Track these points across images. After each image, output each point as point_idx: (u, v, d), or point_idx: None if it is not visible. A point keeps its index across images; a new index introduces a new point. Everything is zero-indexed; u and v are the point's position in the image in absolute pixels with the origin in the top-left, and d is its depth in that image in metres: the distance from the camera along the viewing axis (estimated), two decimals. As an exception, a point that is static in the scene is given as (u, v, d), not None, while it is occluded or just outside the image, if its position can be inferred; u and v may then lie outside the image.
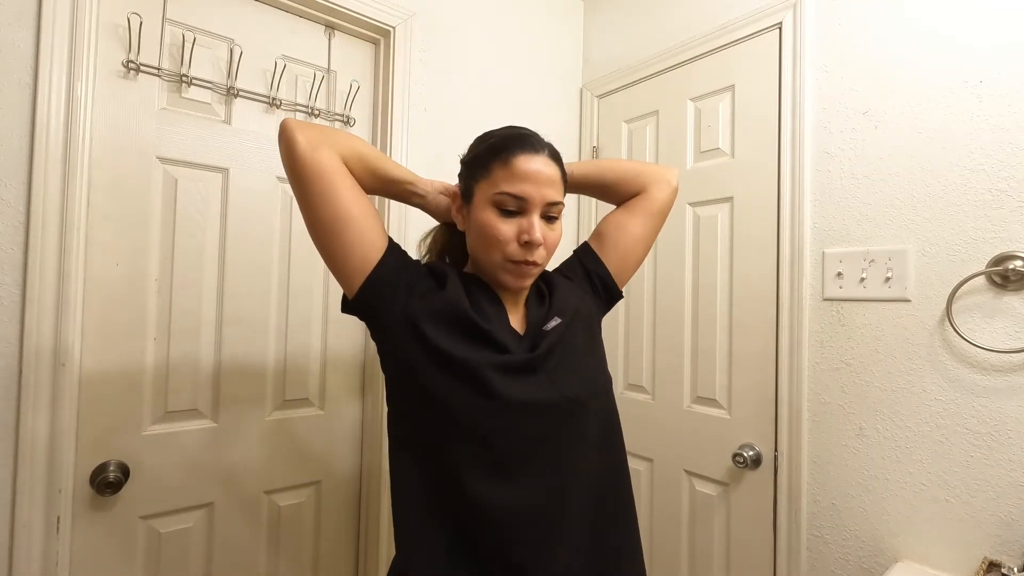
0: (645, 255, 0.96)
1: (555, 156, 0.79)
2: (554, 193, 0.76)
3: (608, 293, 0.92)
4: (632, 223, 0.92)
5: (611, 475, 0.82)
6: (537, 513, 0.72)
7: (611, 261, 0.92)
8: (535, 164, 0.75)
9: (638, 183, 0.93)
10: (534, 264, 0.76)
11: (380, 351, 0.80)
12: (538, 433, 0.74)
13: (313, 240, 0.76)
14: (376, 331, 0.78)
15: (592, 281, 0.91)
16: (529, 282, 0.79)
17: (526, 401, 0.72)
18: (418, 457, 0.75)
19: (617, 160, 0.98)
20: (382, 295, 0.75)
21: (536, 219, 0.75)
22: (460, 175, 0.84)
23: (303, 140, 0.72)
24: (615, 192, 0.94)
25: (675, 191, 0.96)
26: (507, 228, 0.74)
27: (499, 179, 0.75)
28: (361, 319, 0.79)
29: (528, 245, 0.74)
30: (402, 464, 0.76)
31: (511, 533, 0.71)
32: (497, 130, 0.83)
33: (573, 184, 0.92)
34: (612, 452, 0.83)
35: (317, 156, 0.72)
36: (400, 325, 0.74)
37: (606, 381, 0.85)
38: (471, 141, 0.86)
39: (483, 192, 0.77)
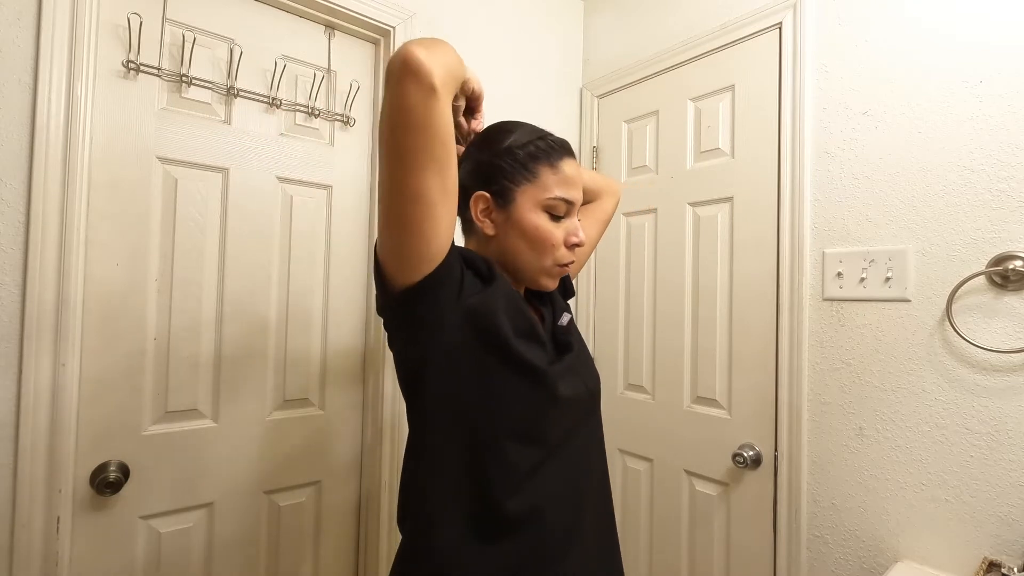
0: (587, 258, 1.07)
1: None
2: (582, 196, 0.82)
3: (566, 292, 0.97)
4: (589, 229, 1.00)
5: (604, 466, 0.85)
6: (565, 504, 0.73)
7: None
8: (575, 168, 0.78)
9: (595, 192, 1.02)
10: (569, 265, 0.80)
11: (422, 347, 0.69)
12: (572, 426, 0.76)
13: (396, 213, 0.62)
14: (425, 326, 0.68)
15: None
16: None
17: (570, 397, 0.74)
18: (457, 449, 0.70)
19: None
20: (445, 286, 0.66)
21: (577, 221, 0.79)
22: (483, 174, 0.77)
23: (441, 87, 0.58)
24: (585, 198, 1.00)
25: (618, 203, 1.08)
26: (558, 232, 0.76)
27: (551, 184, 0.75)
28: (408, 312, 0.68)
29: (574, 247, 0.78)
30: (436, 451, 0.71)
31: (542, 522, 0.71)
32: (515, 124, 0.79)
33: None
34: (603, 443, 0.87)
35: (447, 108, 0.60)
36: (460, 319, 0.67)
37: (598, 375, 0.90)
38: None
39: (530, 196, 0.75)
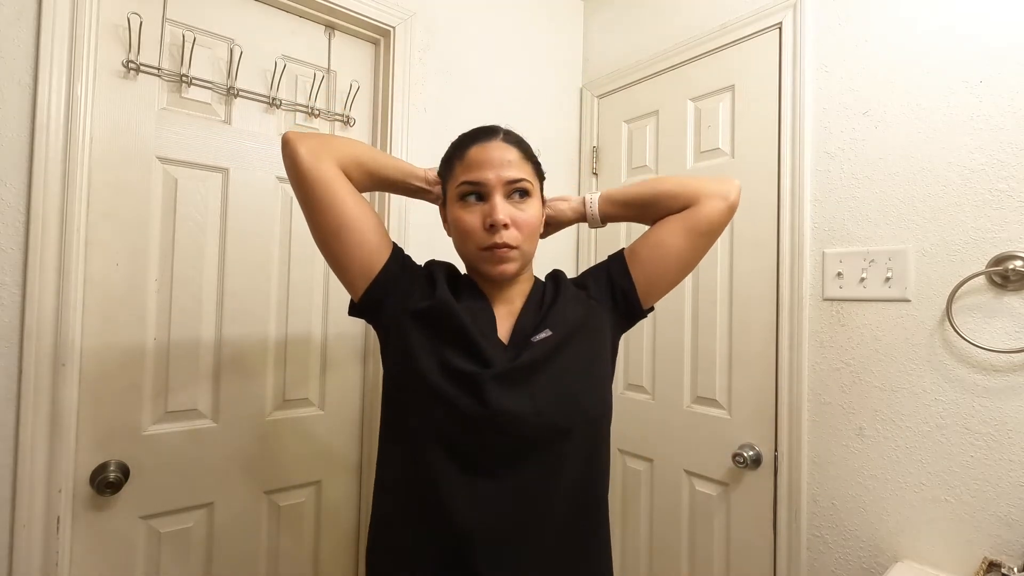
0: (684, 275, 0.86)
1: (513, 139, 0.80)
2: (513, 172, 0.76)
3: (629, 309, 0.85)
4: (671, 240, 0.83)
5: (585, 499, 0.78)
6: (496, 528, 0.71)
7: (640, 277, 0.84)
8: (489, 150, 0.77)
9: (684, 198, 0.83)
10: (506, 247, 0.75)
11: (381, 353, 0.83)
12: (506, 449, 0.72)
13: (319, 248, 0.78)
14: (379, 333, 0.83)
15: (615, 294, 0.85)
16: (511, 267, 0.76)
17: (495, 414, 0.71)
18: (398, 450, 0.78)
19: (663, 177, 0.90)
20: (384, 300, 0.78)
21: (498, 200, 0.75)
22: (440, 186, 0.87)
23: (305, 151, 0.74)
24: (656, 210, 0.86)
25: (731, 208, 0.84)
26: (472, 217, 0.76)
27: (459, 173, 0.78)
28: (367, 322, 0.83)
29: (493, 227, 0.74)
30: (385, 452, 0.81)
31: (469, 540, 0.70)
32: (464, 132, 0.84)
33: (612, 211, 0.90)
34: (590, 475, 0.78)
35: (317, 165, 0.74)
36: (395, 328, 0.78)
37: (597, 406, 0.79)
38: None
39: (450, 190, 0.80)
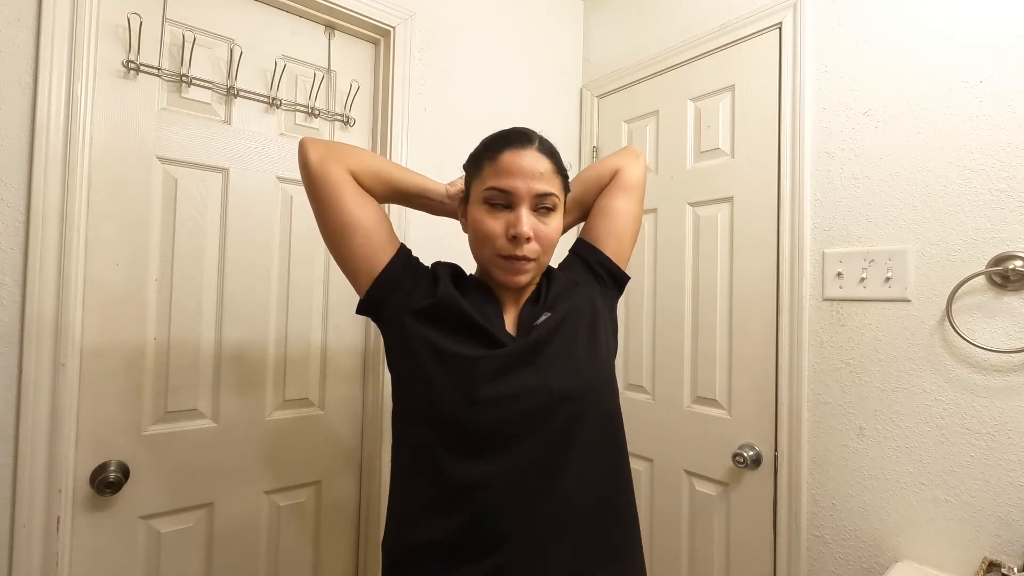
0: (637, 230, 0.96)
1: (547, 150, 0.79)
2: (543, 185, 0.75)
3: (613, 278, 0.91)
4: (613, 203, 0.93)
5: (606, 473, 0.80)
6: (512, 505, 0.72)
7: (608, 245, 0.91)
8: (523, 158, 0.75)
9: (606, 174, 0.94)
10: (525, 259, 0.75)
11: (385, 349, 0.84)
12: (519, 425, 0.74)
13: (329, 249, 0.82)
14: (382, 330, 0.84)
15: (594, 271, 0.90)
16: (524, 278, 0.78)
17: (506, 394, 0.73)
18: (408, 442, 0.80)
19: (579, 173, 1.00)
20: (387, 297, 0.79)
21: (524, 212, 0.74)
22: (465, 179, 0.86)
23: (314, 155, 0.79)
24: (591, 196, 0.95)
25: (643, 164, 0.97)
26: (495, 223, 0.75)
27: (488, 176, 0.77)
28: (373, 320, 0.85)
29: (515, 239, 0.74)
30: (399, 447, 0.82)
31: (485, 517, 0.72)
32: (499, 131, 0.84)
33: (565, 221, 0.95)
34: (607, 451, 0.81)
35: (324, 168, 0.78)
36: (398, 325, 0.79)
37: (603, 376, 0.83)
38: (470, 141, 0.86)
39: (476, 191, 0.79)
